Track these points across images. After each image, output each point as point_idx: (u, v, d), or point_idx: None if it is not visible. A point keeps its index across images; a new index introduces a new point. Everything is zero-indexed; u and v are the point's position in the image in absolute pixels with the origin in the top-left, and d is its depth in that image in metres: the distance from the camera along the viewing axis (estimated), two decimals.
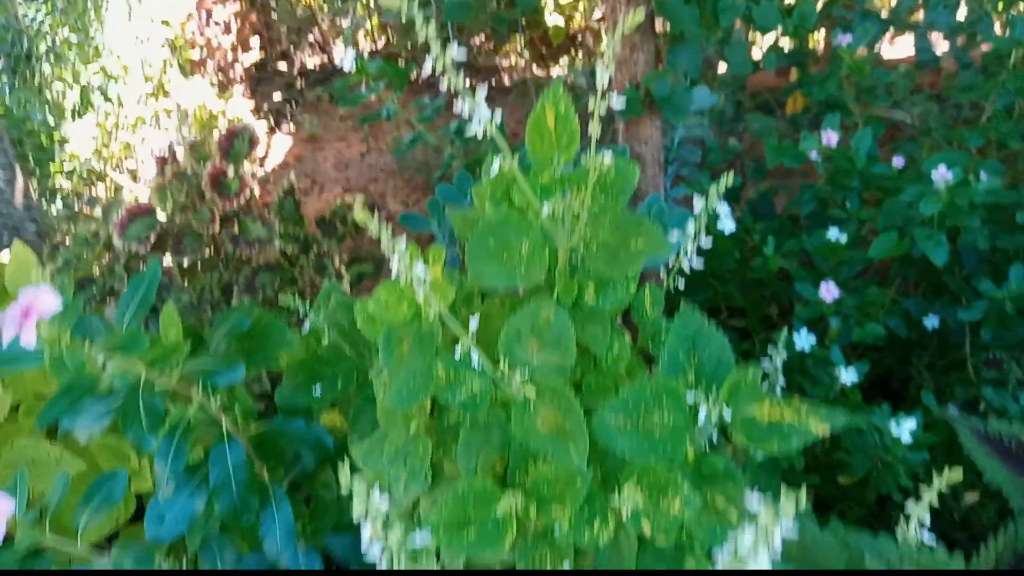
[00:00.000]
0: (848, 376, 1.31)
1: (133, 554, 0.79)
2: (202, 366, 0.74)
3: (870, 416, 1.27)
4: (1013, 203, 1.31)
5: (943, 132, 1.50)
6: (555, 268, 0.73)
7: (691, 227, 0.76)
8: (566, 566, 0.65)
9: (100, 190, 2.13)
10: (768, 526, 0.46)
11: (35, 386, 1.18)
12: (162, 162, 1.19)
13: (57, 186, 1.98)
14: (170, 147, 1.22)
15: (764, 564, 0.49)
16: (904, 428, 1.21)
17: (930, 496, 0.73)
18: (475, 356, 0.69)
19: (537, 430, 0.66)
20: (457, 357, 0.65)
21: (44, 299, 0.64)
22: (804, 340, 1.36)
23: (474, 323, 0.68)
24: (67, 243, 1.23)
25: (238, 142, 1.19)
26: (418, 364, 0.68)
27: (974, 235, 1.31)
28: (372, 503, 0.49)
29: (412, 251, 0.63)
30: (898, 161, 1.46)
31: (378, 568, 0.54)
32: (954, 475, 0.70)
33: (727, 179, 0.72)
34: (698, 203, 0.76)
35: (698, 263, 0.81)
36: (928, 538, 0.76)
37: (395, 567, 0.51)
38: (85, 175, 2.04)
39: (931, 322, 1.41)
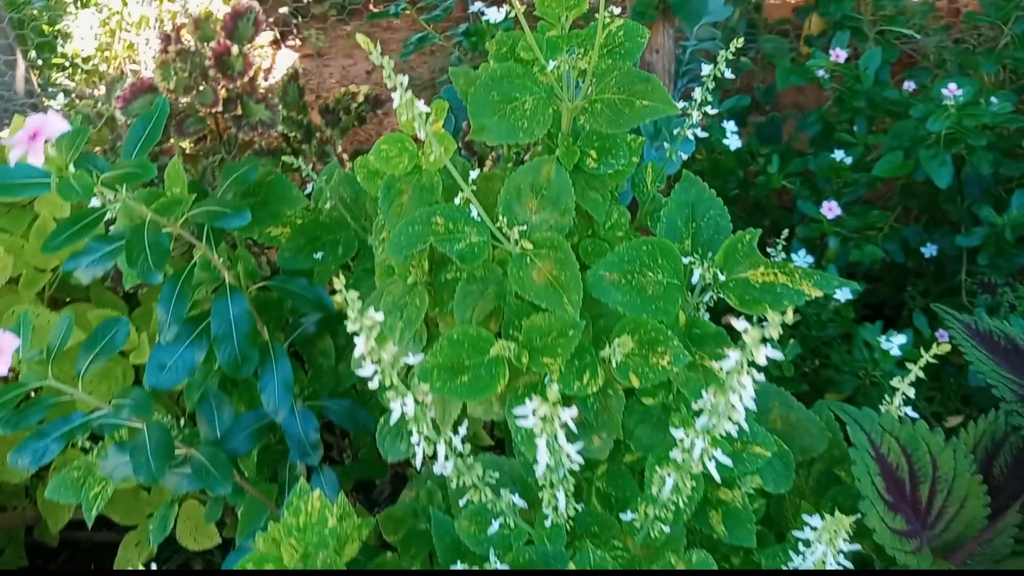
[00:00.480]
0: (842, 294, 1.32)
1: (132, 401, 0.81)
2: (207, 208, 0.74)
3: (860, 331, 1.29)
4: (1021, 128, 1.31)
5: (956, 56, 1.48)
6: (559, 129, 0.73)
7: (698, 94, 0.76)
8: (579, 458, 0.66)
9: (103, 90, 2.10)
10: (752, 345, 0.47)
11: (35, 259, 1.19)
12: (166, 39, 1.18)
13: (57, 80, 1.96)
14: (175, 26, 1.21)
15: (748, 391, 0.51)
16: (894, 343, 1.23)
17: (916, 370, 0.74)
18: (474, 209, 0.69)
19: (533, 281, 0.67)
20: (457, 202, 0.66)
21: (52, 122, 0.64)
22: (802, 260, 1.37)
23: (473, 174, 0.68)
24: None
25: (242, 23, 1.17)
26: (417, 214, 0.68)
27: (979, 160, 1.30)
28: (366, 317, 0.49)
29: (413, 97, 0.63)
30: (909, 85, 1.44)
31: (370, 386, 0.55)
32: (942, 347, 0.72)
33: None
34: (706, 67, 0.75)
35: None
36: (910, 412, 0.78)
37: (387, 384, 0.52)
38: (87, 74, 2.02)
39: (929, 251, 1.41)
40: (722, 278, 0.68)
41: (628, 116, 0.68)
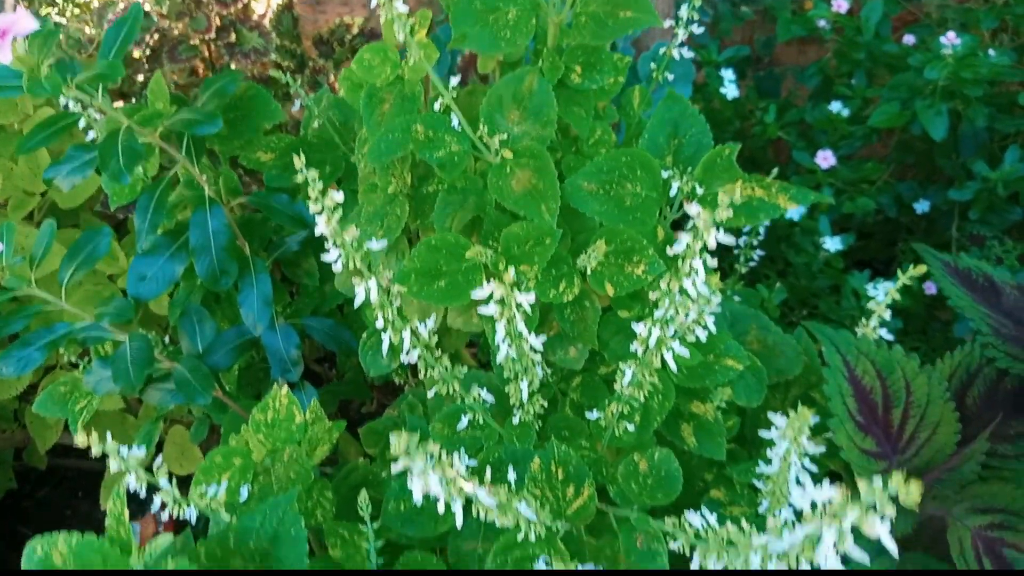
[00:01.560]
0: (832, 244, 1.32)
1: (114, 309, 0.82)
2: (182, 116, 0.74)
3: (849, 280, 1.29)
4: (1018, 82, 1.30)
5: (958, 15, 1.47)
6: (544, 44, 0.72)
7: (684, 11, 0.75)
8: (541, 345, 0.66)
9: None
10: (704, 228, 0.46)
11: (24, 183, 1.19)
12: None
13: (49, 15, 1.94)
14: None
15: (701, 275, 0.50)
16: (881, 290, 1.23)
17: (892, 293, 0.75)
18: (455, 118, 0.69)
19: (511, 189, 0.67)
20: (437, 108, 0.66)
21: (22, 20, 0.64)
22: (795, 210, 1.37)
23: (455, 80, 0.68)
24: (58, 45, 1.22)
25: None
26: (398, 122, 0.68)
27: (975, 113, 1.30)
28: (328, 197, 0.50)
29: None
30: (909, 40, 1.43)
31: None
32: (919, 269, 0.72)
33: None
34: None
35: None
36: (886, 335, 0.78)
37: (351, 268, 0.52)
38: (79, 8, 2.00)
39: (922, 206, 1.41)
40: (700, 192, 0.68)
41: (612, 27, 0.68)
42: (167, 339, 0.95)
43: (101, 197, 1.19)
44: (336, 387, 1.03)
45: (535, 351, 0.59)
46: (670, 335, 0.57)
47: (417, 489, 0.42)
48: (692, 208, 0.46)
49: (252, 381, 0.95)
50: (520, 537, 0.57)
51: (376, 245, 0.53)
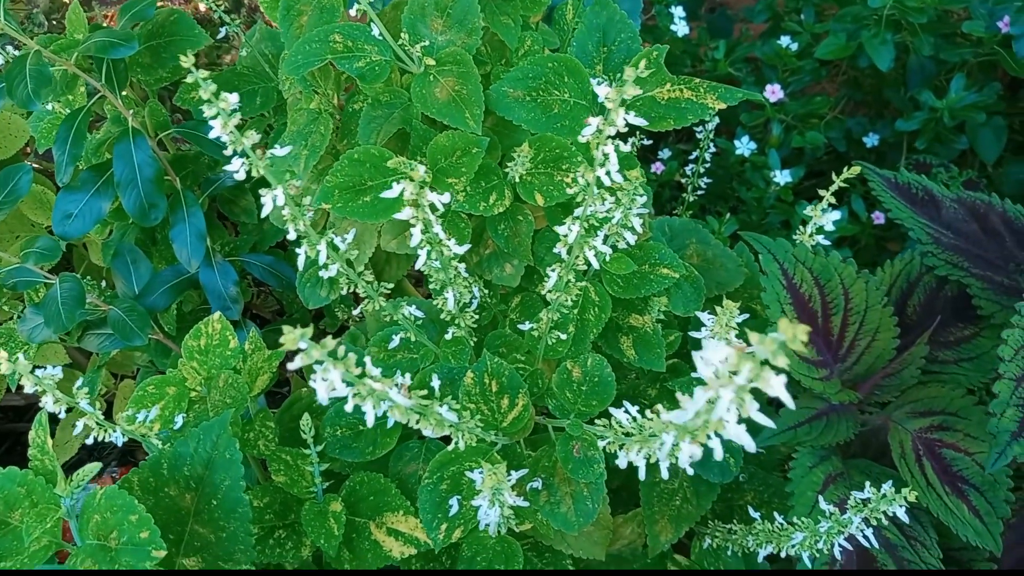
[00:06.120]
0: (782, 177, 1.32)
1: (40, 248, 0.79)
2: (97, 39, 0.71)
3: (798, 209, 1.29)
4: (962, 8, 1.30)
5: None
6: None
7: None
8: (462, 250, 0.65)
9: None
10: (613, 110, 0.45)
11: None
12: None
13: None
14: None
15: (613, 162, 0.49)
16: (828, 218, 1.24)
17: (827, 196, 0.74)
18: (376, 27, 0.67)
19: (435, 97, 0.65)
20: (353, 13, 0.64)
21: None
22: (744, 146, 1.37)
23: None
24: None
25: None
26: (315, 32, 0.66)
27: (920, 43, 1.30)
28: (222, 99, 0.47)
29: None
30: None
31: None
32: (852, 170, 0.72)
33: None
34: None
35: None
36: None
37: (255, 175, 0.50)
38: None
39: (871, 140, 1.42)
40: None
41: None
42: (104, 283, 0.92)
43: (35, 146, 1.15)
44: (282, 324, 1.01)
45: (457, 259, 0.58)
46: (599, 238, 0.56)
47: (322, 390, 0.39)
48: (601, 89, 0.44)
49: (195, 322, 0.93)
50: (452, 450, 0.56)
51: (281, 151, 0.51)
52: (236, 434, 0.60)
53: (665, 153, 1.44)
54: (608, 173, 0.48)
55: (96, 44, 0.71)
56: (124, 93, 0.81)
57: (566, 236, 0.53)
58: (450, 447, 0.53)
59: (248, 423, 0.68)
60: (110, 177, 0.80)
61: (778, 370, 0.35)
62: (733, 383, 0.35)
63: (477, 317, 0.66)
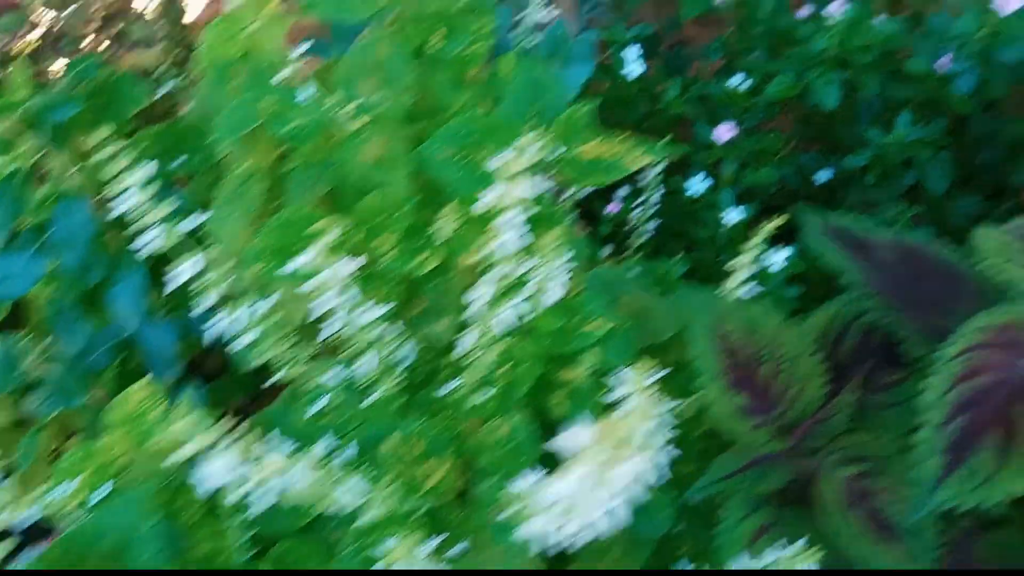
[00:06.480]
0: (733, 216, 1.34)
1: None
2: (39, 100, 0.72)
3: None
4: (907, 47, 1.33)
5: None
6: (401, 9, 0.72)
7: None
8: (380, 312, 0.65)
9: None
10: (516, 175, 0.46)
11: None
12: None
13: None
14: None
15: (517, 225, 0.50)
16: (779, 257, 1.26)
17: (756, 240, 0.76)
18: (308, 89, 0.68)
19: (364, 158, 0.66)
20: (281, 79, 0.65)
21: None
22: (699, 184, 1.39)
23: (304, 47, 0.67)
24: None
25: None
26: (247, 95, 0.67)
27: (867, 80, 1.33)
28: (140, 170, 0.48)
29: None
30: (805, 11, 1.46)
31: None
32: (779, 219, 0.74)
33: None
34: None
35: None
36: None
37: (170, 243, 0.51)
38: None
39: (823, 176, 1.44)
40: (562, 151, 0.68)
41: None
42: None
43: None
44: (223, 384, 1.01)
45: (382, 320, 0.58)
46: (518, 298, 0.57)
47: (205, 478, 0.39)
48: (497, 159, 0.46)
49: (132, 380, 0.92)
50: (366, 520, 0.56)
51: (191, 224, 0.51)
52: (159, 506, 0.60)
53: (625, 190, 1.46)
54: (508, 241, 0.49)
55: (40, 107, 0.72)
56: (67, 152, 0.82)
57: (478, 299, 0.54)
58: (360, 521, 0.53)
59: (174, 491, 0.68)
60: (50, 236, 0.81)
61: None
62: (594, 466, 0.36)
63: (406, 376, 0.67)
